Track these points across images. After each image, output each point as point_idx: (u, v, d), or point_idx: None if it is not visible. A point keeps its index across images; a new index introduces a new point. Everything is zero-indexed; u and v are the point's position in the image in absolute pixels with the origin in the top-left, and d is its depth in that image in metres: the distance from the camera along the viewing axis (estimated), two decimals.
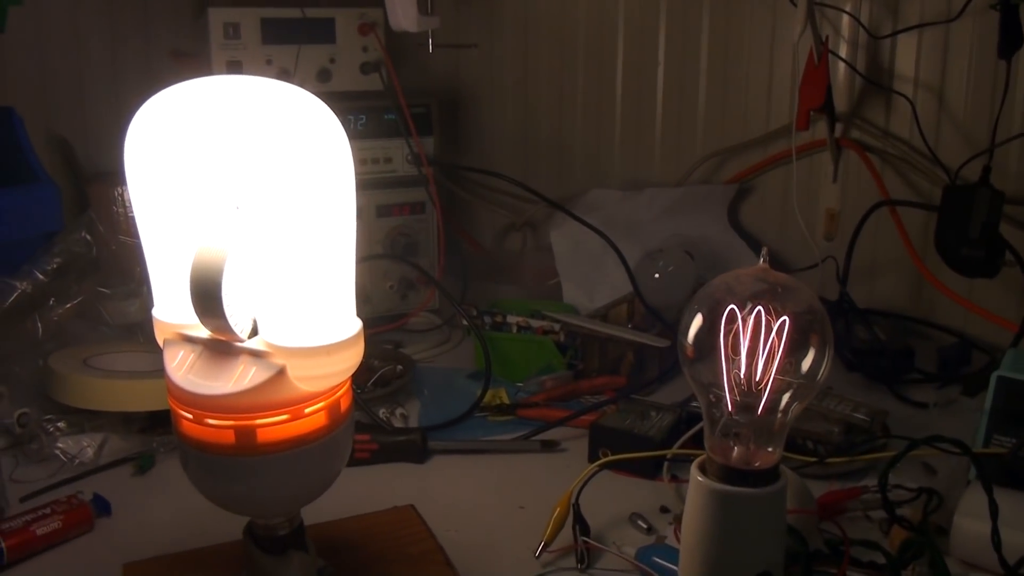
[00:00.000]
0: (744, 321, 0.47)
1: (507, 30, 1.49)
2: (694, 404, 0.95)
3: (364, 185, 1.25)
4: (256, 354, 0.57)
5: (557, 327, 1.12)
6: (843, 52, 1.20)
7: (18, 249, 1.03)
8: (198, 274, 0.56)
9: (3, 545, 0.74)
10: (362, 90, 1.26)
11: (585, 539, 0.74)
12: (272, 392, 0.57)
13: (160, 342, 0.62)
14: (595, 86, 1.43)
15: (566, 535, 0.76)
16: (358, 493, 0.86)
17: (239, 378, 0.57)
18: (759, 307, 0.47)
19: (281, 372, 0.57)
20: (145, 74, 1.36)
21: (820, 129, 1.22)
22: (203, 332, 0.59)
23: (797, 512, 0.69)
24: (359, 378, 1.07)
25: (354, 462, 0.91)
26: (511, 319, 1.15)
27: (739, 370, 0.48)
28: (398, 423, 1.00)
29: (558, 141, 1.48)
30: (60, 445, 0.89)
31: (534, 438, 0.96)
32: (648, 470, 0.88)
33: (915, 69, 1.17)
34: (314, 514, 0.82)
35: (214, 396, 0.57)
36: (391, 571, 0.71)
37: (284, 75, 1.21)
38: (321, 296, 0.58)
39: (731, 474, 0.50)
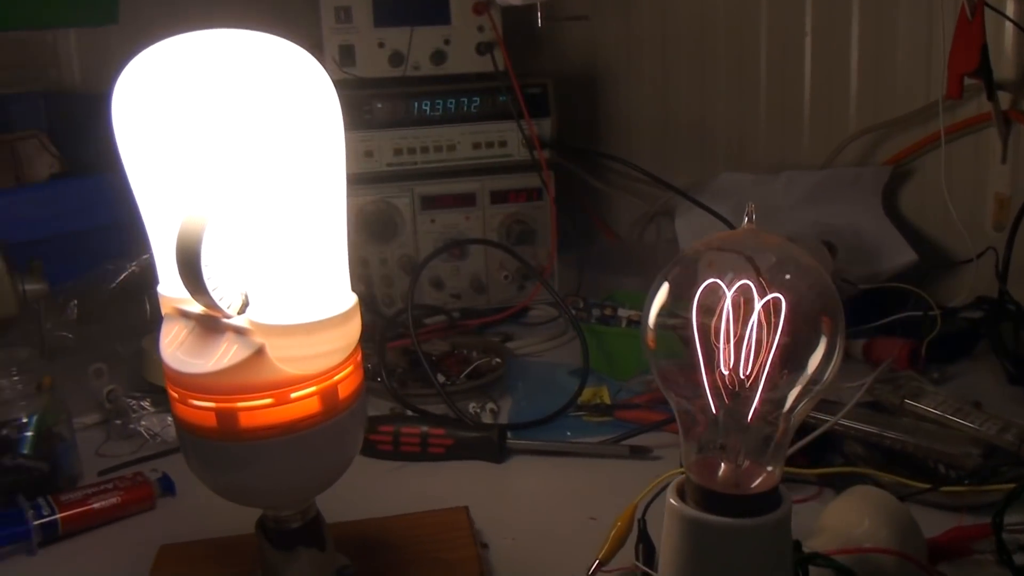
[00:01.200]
0: (728, 298, 0.37)
1: (644, 5, 1.39)
2: (813, 416, 0.82)
3: (477, 170, 1.21)
4: (240, 332, 0.53)
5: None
6: (1010, 11, 1.01)
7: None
8: (180, 242, 0.52)
9: (58, 517, 0.74)
10: (479, 72, 1.21)
11: (645, 568, 0.65)
12: (252, 373, 0.52)
13: None
14: (737, 61, 1.30)
15: (629, 554, 0.67)
16: (423, 490, 0.82)
17: (220, 356, 0.53)
18: (746, 280, 0.37)
19: (260, 352, 0.52)
20: None
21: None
22: (197, 308, 0.56)
23: (893, 554, 0.56)
24: (453, 369, 1.03)
25: (428, 457, 0.87)
26: (623, 312, 1.06)
27: (722, 362, 0.38)
28: (487, 419, 0.94)
29: (699, 122, 1.37)
30: (144, 423, 0.90)
31: (624, 442, 0.87)
32: None
33: None
34: (363, 509, 0.79)
35: (194, 375, 0.53)
36: (421, 574, 0.66)
37: (396, 57, 1.18)
38: (303, 270, 0.53)
39: (715, 500, 0.39)
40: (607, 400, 0.97)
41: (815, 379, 0.39)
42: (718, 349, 0.39)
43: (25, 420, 0.78)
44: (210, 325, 0.55)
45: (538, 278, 1.19)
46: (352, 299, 0.55)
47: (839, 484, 0.75)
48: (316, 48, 1.17)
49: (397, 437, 0.87)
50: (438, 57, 1.20)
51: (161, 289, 0.58)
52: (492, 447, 0.86)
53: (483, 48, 1.20)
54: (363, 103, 1.17)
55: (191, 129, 0.51)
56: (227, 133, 0.50)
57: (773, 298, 0.37)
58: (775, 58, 1.26)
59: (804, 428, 0.80)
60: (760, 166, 1.28)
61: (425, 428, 0.87)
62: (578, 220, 1.45)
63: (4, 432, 0.78)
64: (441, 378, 0.98)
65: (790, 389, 0.39)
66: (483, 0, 1.19)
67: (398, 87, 1.19)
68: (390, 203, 1.19)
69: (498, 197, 1.22)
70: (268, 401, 0.53)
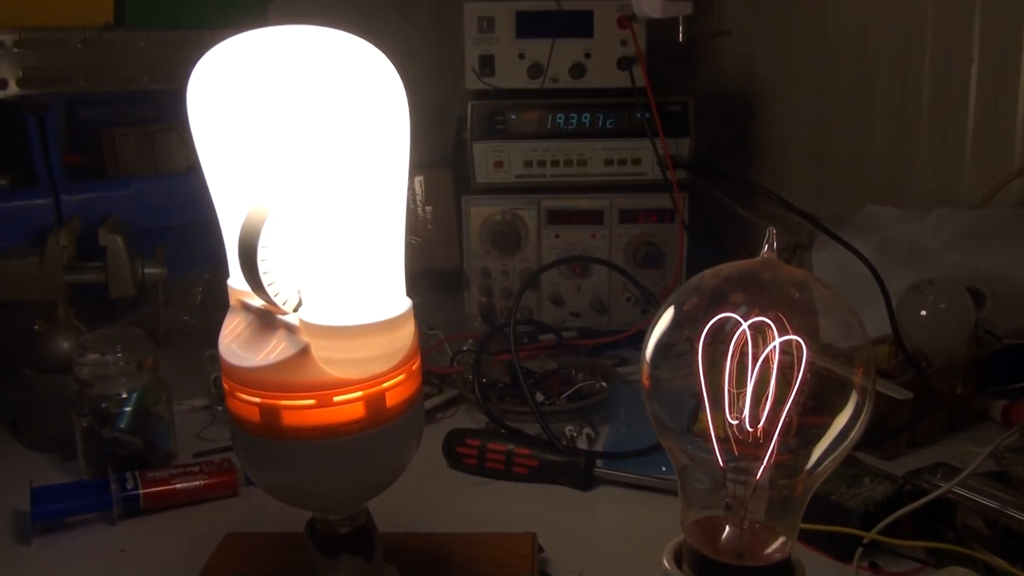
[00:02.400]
0: (744, 339, 0.32)
1: (804, 22, 1.32)
2: (928, 479, 0.74)
3: (608, 187, 1.17)
4: (291, 330, 0.53)
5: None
6: None
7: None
8: (242, 232, 0.52)
9: (140, 492, 0.77)
10: (618, 87, 1.17)
11: None
12: (296, 372, 0.51)
13: None
14: (898, 88, 1.20)
15: None
16: (499, 510, 0.80)
17: (267, 352, 0.53)
18: (764, 319, 0.32)
19: (305, 351, 0.51)
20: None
21: None
22: (259, 302, 0.55)
23: None
24: (554, 389, 1.00)
25: (512, 476, 0.84)
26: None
27: (731, 410, 0.33)
28: (582, 443, 0.91)
29: (854, 149, 1.28)
30: None
31: None
32: (842, 549, 0.70)
33: None
34: (432, 522, 0.77)
35: (242, 368, 0.53)
36: None
37: (535, 69, 1.16)
38: (353, 271, 0.51)
39: (712, 569, 0.34)
40: None
41: (840, 436, 0.34)
42: (730, 394, 0.34)
43: (125, 396, 0.82)
44: (267, 321, 0.55)
45: (650, 301, 1.13)
46: (403, 306, 0.53)
47: (943, 561, 0.67)
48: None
49: (483, 452, 0.85)
50: (577, 70, 1.17)
51: (231, 281, 0.59)
52: (577, 473, 0.83)
53: (624, 63, 1.16)
54: (497, 113, 1.16)
55: (257, 122, 0.51)
56: (290, 127, 0.49)
57: (793, 341, 0.32)
58: (938, 85, 1.16)
59: (916, 492, 0.72)
60: (915, 201, 1.17)
61: (512, 446, 0.85)
62: (719, 246, 1.39)
63: (104, 406, 0.81)
64: (540, 397, 0.95)
65: (810, 445, 0.33)
66: (628, 14, 1.15)
67: (534, 99, 1.17)
68: (516, 215, 1.17)
69: (627, 216, 1.18)
70: (311, 402, 0.52)
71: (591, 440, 0.91)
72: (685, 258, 1.17)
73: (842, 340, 0.33)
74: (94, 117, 1.16)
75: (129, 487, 0.76)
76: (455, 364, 1.06)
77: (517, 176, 1.17)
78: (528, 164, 1.17)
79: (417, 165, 1.33)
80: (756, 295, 0.34)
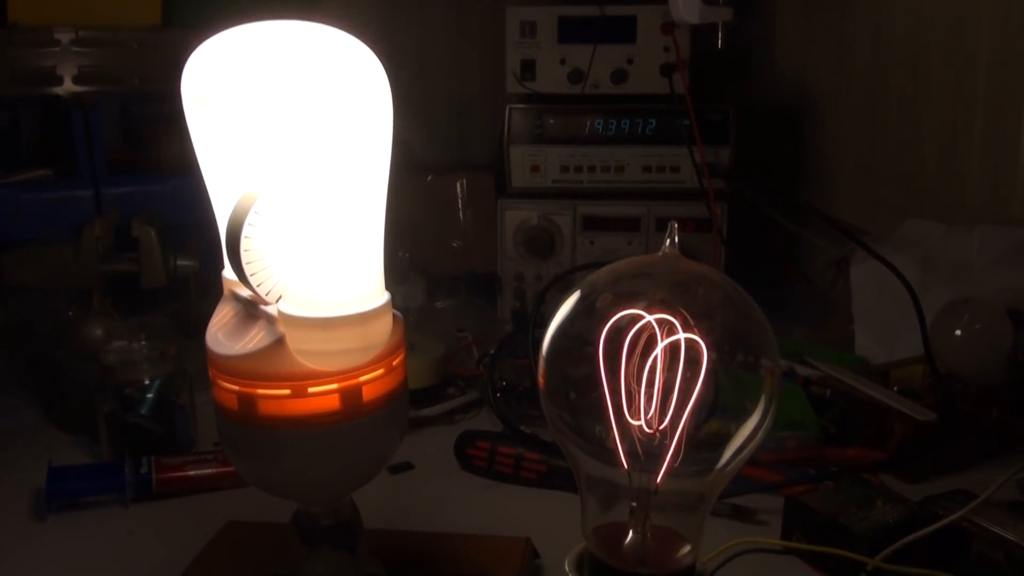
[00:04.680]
0: (640, 334, 0.31)
1: (857, 40, 1.28)
2: (945, 505, 0.71)
3: (645, 194, 1.16)
4: (271, 320, 0.53)
5: (819, 379, 0.92)
6: None
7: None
8: (228, 222, 0.54)
9: (153, 477, 0.79)
10: (660, 93, 1.16)
11: None
12: (271, 362, 0.52)
13: None
14: (950, 102, 1.16)
15: None
16: (503, 513, 0.80)
17: (247, 342, 0.54)
18: (668, 316, 0.31)
19: (281, 341, 0.52)
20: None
21: None
22: (246, 292, 0.56)
23: None
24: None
25: (521, 481, 0.84)
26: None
27: (632, 410, 0.31)
28: None
29: (905, 165, 1.23)
30: None
31: (729, 500, 0.79)
32: (848, 573, 0.68)
33: None
34: (432, 521, 0.77)
35: (223, 355, 0.54)
36: None
37: (576, 75, 1.16)
38: (328, 264, 0.52)
39: None
40: None
41: (747, 437, 0.32)
42: (636, 393, 0.33)
43: (147, 383, 0.84)
44: (251, 311, 0.56)
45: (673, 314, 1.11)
46: (380, 301, 0.54)
47: None
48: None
49: (492, 455, 0.85)
50: (618, 76, 1.16)
51: (224, 272, 0.60)
52: None
53: (666, 69, 1.15)
54: (535, 118, 1.16)
55: (242, 114, 0.52)
56: (270, 119, 0.50)
57: (693, 339, 0.31)
58: (991, 100, 1.11)
59: (930, 519, 0.69)
60: (965, 217, 1.13)
61: (521, 450, 0.84)
62: (765, 261, 1.36)
63: (127, 391, 0.83)
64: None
65: (714, 447, 0.32)
66: (672, 20, 1.14)
67: (575, 104, 1.17)
68: (551, 220, 1.17)
69: (664, 224, 1.15)
70: (286, 392, 0.52)
71: None
72: (722, 270, 1.14)
73: (750, 338, 0.32)
74: (147, 115, 1.20)
75: (143, 471, 0.78)
76: (480, 367, 1.06)
77: (553, 181, 1.17)
78: (565, 169, 1.17)
79: (460, 167, 1.34)
80: (657, 291, 0.33)
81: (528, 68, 1.17)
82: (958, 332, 0.88)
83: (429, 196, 1.30)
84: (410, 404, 0.96)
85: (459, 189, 1.28)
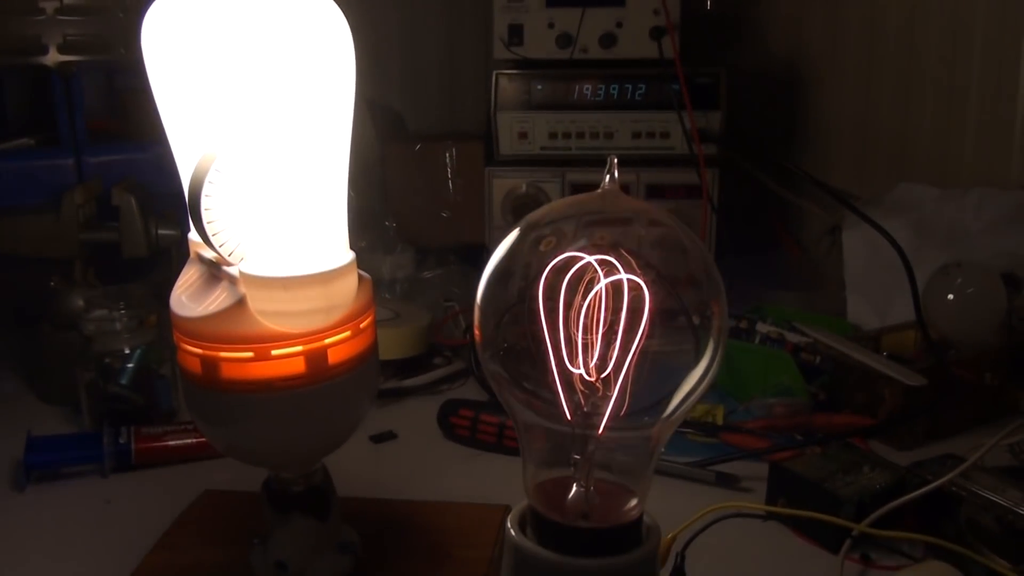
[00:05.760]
0: (579, 277, 0.30)
1: (851, 3, 1.25)
2: (933, 470, 0.69)
3: (635, 161, 1.14)
4: (233, 281, 0.52)
5: (808, 346, 0.91)
6: None
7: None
8: (190, 180, 0.52)
9: (132, 447, 0.78)
10: (650, 57, 1.14)
11: None
12: (234, 323, 0.51)
13: None
14: (947, 65, 1.13)
15: None
16: (484, 482, 0.79)
17: (209, 303, 0.52)
18: (607, 257, 0.29)
19: (242, 302, 0.51)
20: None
21: None
22: (211, 253, 0.55)
23: None
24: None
25: (504, 450, 0.83)
26: (760, 327, 0.96)
27: (571, 357, 0.30)
28: None
29: (900, 129, 1.21)
30: None
31: (713, 467, 0.78)
32: (832, 539, 0.67)
33: None
34: (412, 489, 0.76)
35: (185, 318, 0.53)
36: (419, 566, 0.62)
37: (564, 39, 1.14)
38: (291, 221, 0.51)
39: (556, 533, 0.31)
40: (719, 420, 0.88)
41: (694, 383, 0.31)
42: (572, 340, 0.32)
43: (128, 352, 0.83)
44: (216, 273, 0.54)
45: (662, 284, 1.10)
46: (344, 260, 0.52)
47: (946, 558, 0.63)
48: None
49: (475, 424, 0.84)
50: (607, 40, 1.14)
51: (190, 235, 0.59)
52: None
53: (656, 32, 1.13)
54: (523, 84, 1.14)
55: (200, 69, 0.50)
56: (230, 73, 0.49)
57: (635, 280, 0.29)
58: (988, 61, 1.09)
59: (919, 483, 0.68)
60: (962, 181, 1.11)
61: (503, 419, 0.83)
62: (758, 227, 1.34)
63: (107, 361, 0.83)
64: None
65: (659, 394, 0.31)
66: None
67: (563, 69, 1.15)
68: (540, 188, 1.15)
69: (654, 191, 1.15)
70: (249, 355, 0.51)
71: None
72: (713, 236, 1.13)
73: (696, 279, 0.31)
74: (133, 85, 1.18)
75: (122, 441, 0.78)
76: (466, 336, 1.05)
77: (542, 148, 1.15)
78: (553, 136, 1.15)
79: (450, 136, 1.33)
80: (597, 231, 0.32)
81: (516, 33, 1.15)
82: (950, 296, 0.86)
83: (418, 165, 1.29)
84: (396, 374, 0.97)
85: (448, 158, 1.27)
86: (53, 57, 1.13)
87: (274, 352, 0.52)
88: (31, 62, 1.11)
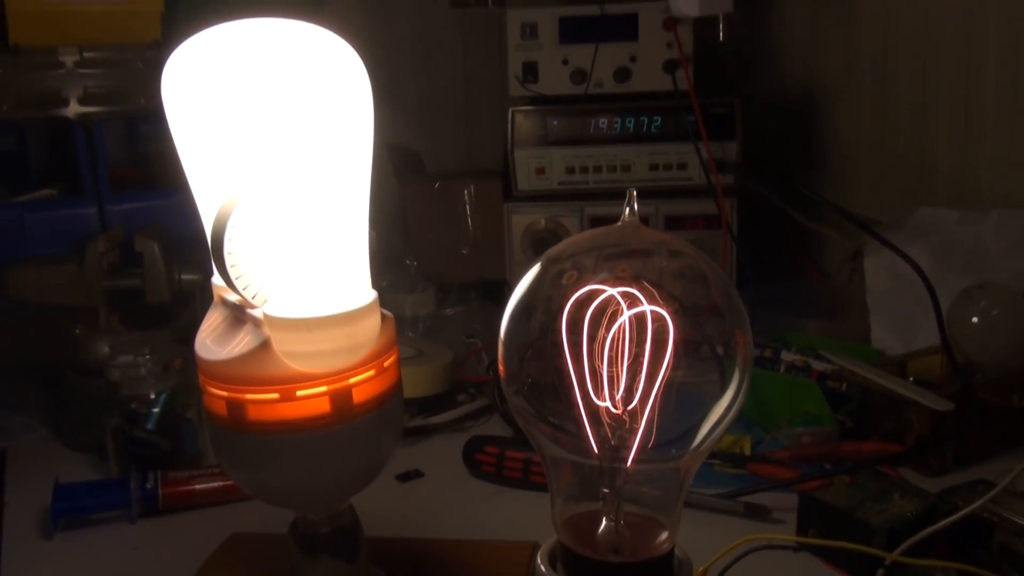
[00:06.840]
0: (601, 309, 0.30)
1: (865, 30, 1.26)
2: (965, 496, 0.68)
3: (653, 193, 1.15)
4: (257, 324, 0.53)
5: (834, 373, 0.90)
6: None
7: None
8: (213, 224, 0.53)
9: (159, 492, 0.78)
10: (665, 90, 1.14)
11: None
12: (259, 365, 0.51)
13: None
14: (962, 89, 1.13)
15: None
16: (512, 518, 0.79)
17: (233, 346, 0.53)
18: (630, 288, 0.29)
19: (267, 344, 0.51)
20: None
21: None
22: (234, 296, 0.56)
23: None
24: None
25: (530, 485, 0.83)
26: (786, 356, 0.96)
27: (598, 391, 0.30)
28: None
29: (918, 154, 1.21)
30: None
31: (743, 498, 0.77)
32: (862, 568, 0.66)
33: None
34: (438, 527, 0.76)
35: (211, 361, 0.53)
36: None
37: (579, 75, 1.15)
38: (312, 263, 0.51)
39: (587, 568, 0.31)
40: (747, 451, 0.87)
41: (720, 414, 0.31)
42: (599, 373, 0.32)
43: (153, 397, 0.84)
44: (239, 316, 0.55)
45: (684, 315, 1.10)
46: (366, 300, 0.53)
47: None
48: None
49: (501, 460, 0.83)
50: (622, 75, 1.15)
51: (214, 278, 0.59)
52: None
53: (670, 66, 1.13)
54: (539, 120, 1.15)
55: (222, 115, 0.51)
56: (251, 119, 0.50)
57: (659, 312, 0.29)
58: (1003, 83, 1.09)
59: (951, 510, 0.67)
60: (981, 204, 1.10)
61: (529, 455, 0.83)
62: (779, 256, 1.34)
63: (133, 406, 0.83)
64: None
65: (686, 426, 0.30)
66: (674, 16, 1.13)
67: (579, 104, 1.16)
68: (559, 222, 1.16)
69: (673, 223, 1.15)
70: (275, 396, 0.52)
71: None
72: (734, 266, 1.12)
73: (719, 308, 0.30)
74: (154, 133, 1.20)
75: (149, 486, 0.78)
76: (489, 373, 1.05)
77: (560, 183, 1.16)
78: (571, 171, 1.15)
79: (468, 174, 1.33)
80: (618, 263, 0.32)
81: (530, 70, 1.17)
82: (975, 319, 0.86)
83: (437, 204, 1.29)
84: (420, 412, 0.97)
85: (467, 196, 1.27)
86: (74, 109, 1.15)
87: (299, 393, 0.52)
88: (52, 114, 1.12)
